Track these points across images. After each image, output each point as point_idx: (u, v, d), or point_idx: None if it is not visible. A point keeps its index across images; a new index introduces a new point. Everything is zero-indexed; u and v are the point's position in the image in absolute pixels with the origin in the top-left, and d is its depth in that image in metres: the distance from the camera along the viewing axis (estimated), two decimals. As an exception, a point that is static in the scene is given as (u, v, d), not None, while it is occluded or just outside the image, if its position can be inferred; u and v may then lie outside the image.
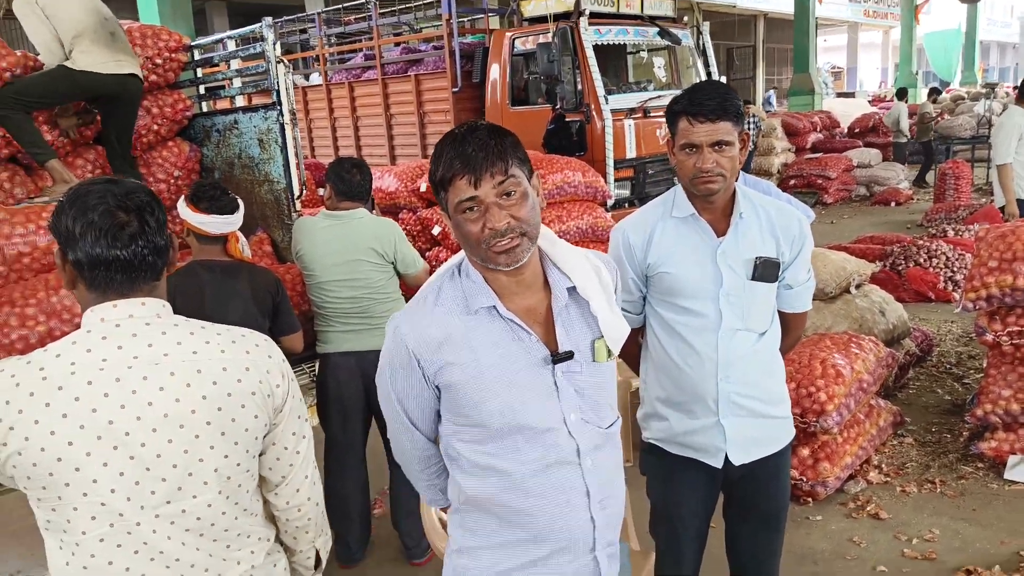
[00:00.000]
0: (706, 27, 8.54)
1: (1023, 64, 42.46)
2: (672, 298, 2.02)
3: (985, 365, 4.48)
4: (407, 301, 3.48)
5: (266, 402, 1.41)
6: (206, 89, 4.56)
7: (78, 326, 1.35)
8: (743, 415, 2.01)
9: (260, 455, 1.46)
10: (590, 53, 7.09)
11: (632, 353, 2.18)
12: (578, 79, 7.12)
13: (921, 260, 7.18)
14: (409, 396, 1.53)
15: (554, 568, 1.52)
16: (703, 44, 8.47)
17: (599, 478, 1.52)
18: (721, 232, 1.99)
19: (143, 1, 9.88)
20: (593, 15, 7.32)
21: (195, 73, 4.47)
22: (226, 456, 1.36)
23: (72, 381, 1.27)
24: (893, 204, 12.41)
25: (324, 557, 1.68)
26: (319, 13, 9.97)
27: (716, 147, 1.90)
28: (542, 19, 7.51)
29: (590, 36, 7.17)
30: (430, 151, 7.25)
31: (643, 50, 8.71)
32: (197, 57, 4.36)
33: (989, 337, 3.66)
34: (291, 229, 4.07)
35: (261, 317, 2.89)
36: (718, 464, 2.03)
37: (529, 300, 1.50)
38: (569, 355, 1.48)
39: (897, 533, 3.26)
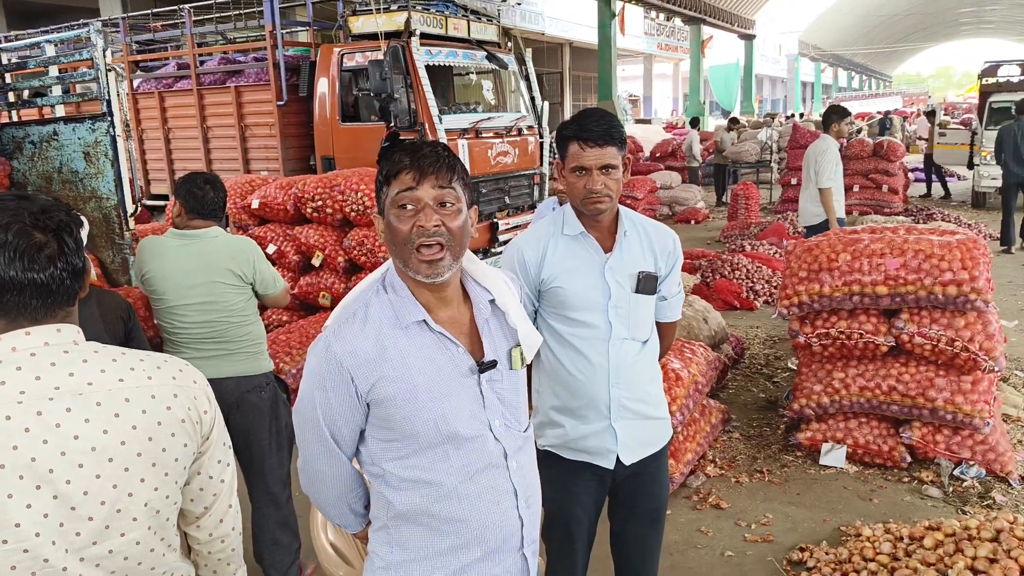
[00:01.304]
0: (529, 54, 8.90)
1: (791, 96, 47.91)
2: (564, 311, 2.13)
3: (793, 365, 5.04)
4: (264, 323, 3.37)
5: (195, 429, 1.35)
6: (19, 97, 4.14)
7: None
8: (632, 418, 2.16)
9: (184, 486, 1.38)
10: (423, 73, 7.16)
11: (522, 365, 2.27)
12: (411, 98, 7.17)
13: (726, 272, 7.91)
14: (338, 416, 1.51)
15: (486, 570, 1.56)
16: (526, 70, 8.81)
17: (524, 479, 1.61)
18: (607, 249, 2.13)
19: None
20: (423, 36, 7.41)
21: (2, 78, 4.05)
22: (156, 488, 1.28)
23: None
24: (692, 222, 13.52)
25: (241, 589, 1.61)
26: (124, 18, 9.29)
27: (604, 170, 2.04)
28: (370, 36, 7.48)
29: (422, 56, 7.24)
30: (253, 166, 7.03)
31: (470, 73, 8.92)
32: (4, 61, 3.96)
33: (801, 339, 4.13)
34: (122, 249, 3.80)
35: (112, 344, 2.67)
36: (610, 466, 2.16)
37: (452, 312, 1.57)
38: (493, 364, 1.55)
39: (737, 520, 3.58)
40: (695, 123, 17.47)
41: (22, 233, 1.19)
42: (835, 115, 6.40)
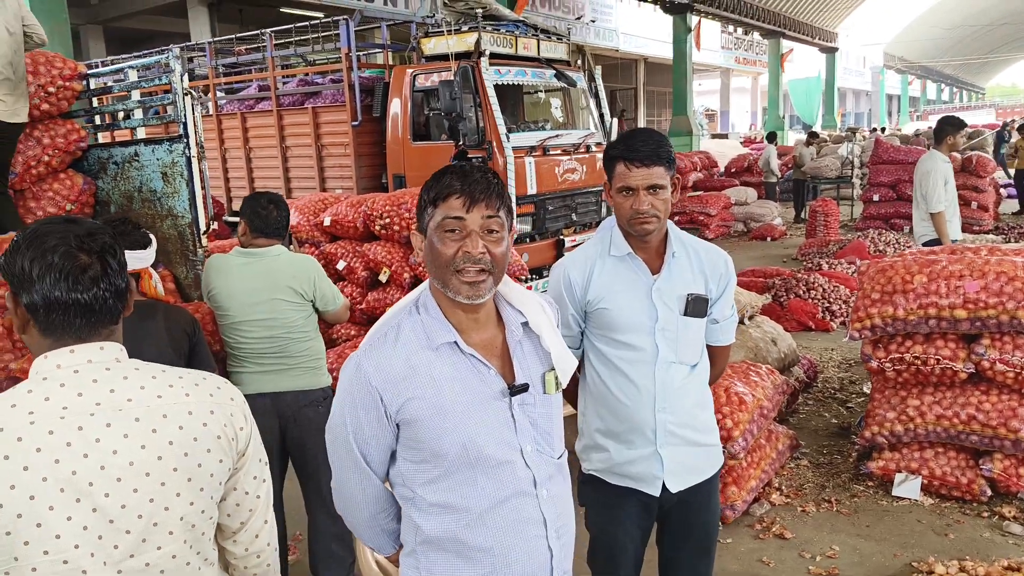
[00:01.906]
0: (598, 71, 8.89)
1: (876, 109, 46.35)
2: (610, 333, 2.10)
3: (869, 390, 4.83)
4: (324, 338, 3.45)
5: (231, 445, 1.38)
6: (103, 120, 4.36)
7: None
8: (679, 444, 2.11)
9: (220, 501, 1.41)
10: (491, 92, 7.24)
11: (568, 388, 2.24)
12: (480, 117, 7.25)
13: (801, 292, 7.67)
14: (368, 435, 1.52)
15: None
16: (596, 87, 8.80)
17: (554, 508, 1.58)
18: (655, 270, 2.10)
19: (16, 23, 9.30)
20: (493, 55, 7.49)
21: (90, 102, 4.29)
22: (192, 503, 1.32)
23: (32, 431, 1.20)
24: (769, 239, 13.20)
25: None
26: (210, 42, 9.72)
27: (651, 190, 2.01)
28: (442, 57, 7.62)
29: (491, 76, 7.32)
30: (329, 184, 7.18)
31: (540, 91, 8.97)
32: (93, 86, 4.18)
33: (874, 364, 3.96)
34: (195, 265, 3.95)
35: (176, 359, 2.76)
36: (655, 492, 2.12)
37: (485, 335, 1.56)
38: (524, 387, 1.54)
39: (802, 551, 3.45)
40: (772, 138, 17.07)
41: (67, 255, 1.25)
42: (950, 127, 5.65)
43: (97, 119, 4.30)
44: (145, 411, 1.28)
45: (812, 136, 17.13)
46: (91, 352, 1.29)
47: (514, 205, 7.18)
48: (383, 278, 5.78)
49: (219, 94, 9.74)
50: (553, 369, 1.58)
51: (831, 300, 7.55)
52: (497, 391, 1.51)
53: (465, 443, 1.47)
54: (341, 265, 5.95)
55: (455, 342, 1.50)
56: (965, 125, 5.93)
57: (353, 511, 1.63)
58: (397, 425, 1.50)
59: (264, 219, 3.17)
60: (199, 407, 1.34)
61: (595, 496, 2.21)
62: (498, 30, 7.81)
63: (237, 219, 3.34)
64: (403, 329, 1.52)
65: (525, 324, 1.58)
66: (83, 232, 1.28)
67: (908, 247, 8.58)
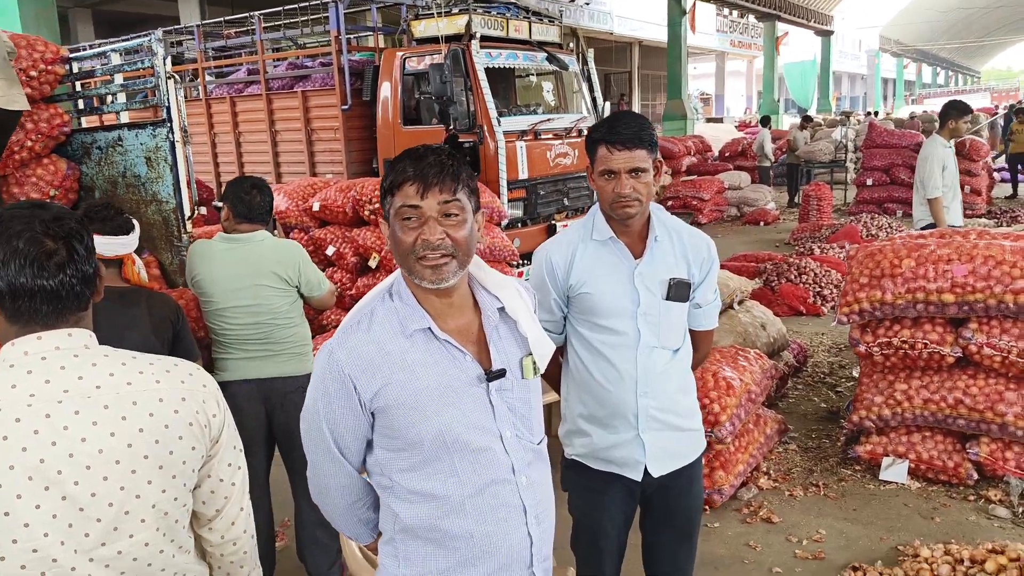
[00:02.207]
0: (591, 54, 8.83)
1: (871, 93, 46.26)
2: (592, 317, 2.09)
3: (857, 374, 4.84)
4: (311, 323, 3.43)
5: (203, 432, 1.36)
6: (86, 104, 4.31)
7: None
8: (661, 429, 2.10)
9: (194, 488, 1.40)
10: (482, 75, 7.18)
11: (552, 373, 2.24)
12: (470, 101, 7.20)
13: (792, 276, 7.67)
14: (342, 424, 1.50)
15: None
16: (588, 71, 8.75)
17: (534, 494, 1.56)
18: (638, 254, 2.09)
19: (2, 5, 9.18)
20: (484, 38, 7.43)
21: (73, 87, 4.23)
22: (164, 491, 1.30)
23: None
24: (762, 224, 13.18)
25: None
26: (199, 25, 9.62)
27: (633, 173, 2.00)
28: (433, 40, 7.55)
29: (482, 59, 7.26)
30: (319, 169, 7.09)
31: (532, 74, 8.91)
32: (75, 69, 4.12)
33: (862, 348, 3.96)
34: (180, 251, 3.92)
35: (160, 346, 2.74)
36: (638, 477, 2.11)
37: (460, 321, 1.54)
38: (502, 373, 1.52)
39: (788, 535, 3.46)
40: (766, 122, 17.06)
41: (32, 241, 1.23)
42: (954, 111, 5.53)
43: (81, 103, 4.24)
44: (114, 398, 1.26)
45: (806, 120, 17.09)
46: (58, 339, 1.27)
47: (505, 189, 7.18)
48: (373, 263, 5.75)
49: (208, 78, 9.65)
50: (531, 354, 1.56)
51: (822, 285, 7.55)
52: (474, 377, 1.49)
53: (442, 430, 1.45)
54: (331, 250, 5.92)
55: (429, 328, 1.48)
56: (970, 111, 5.83)
57: (329, 500, 1.61)
58: (372, 414, 1.48)
59: (247, 204, 3.14)
60: (170, 394, 1.32)
61: (578, 481, 2.21)
62: (489, 12, 7.73)
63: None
64: (376, 316, 1.50)
65: (502, 309, 1.56)
66: (49, 217, 1.26)
67: (900, 231, 8.59)
